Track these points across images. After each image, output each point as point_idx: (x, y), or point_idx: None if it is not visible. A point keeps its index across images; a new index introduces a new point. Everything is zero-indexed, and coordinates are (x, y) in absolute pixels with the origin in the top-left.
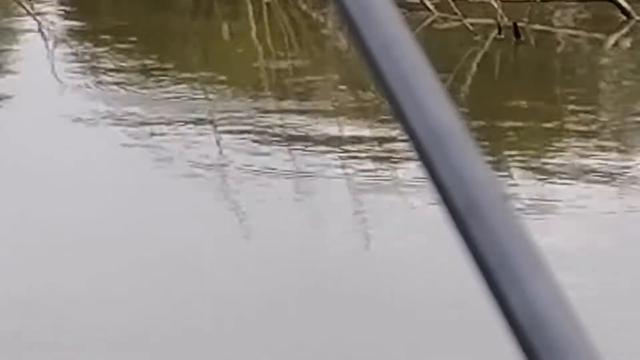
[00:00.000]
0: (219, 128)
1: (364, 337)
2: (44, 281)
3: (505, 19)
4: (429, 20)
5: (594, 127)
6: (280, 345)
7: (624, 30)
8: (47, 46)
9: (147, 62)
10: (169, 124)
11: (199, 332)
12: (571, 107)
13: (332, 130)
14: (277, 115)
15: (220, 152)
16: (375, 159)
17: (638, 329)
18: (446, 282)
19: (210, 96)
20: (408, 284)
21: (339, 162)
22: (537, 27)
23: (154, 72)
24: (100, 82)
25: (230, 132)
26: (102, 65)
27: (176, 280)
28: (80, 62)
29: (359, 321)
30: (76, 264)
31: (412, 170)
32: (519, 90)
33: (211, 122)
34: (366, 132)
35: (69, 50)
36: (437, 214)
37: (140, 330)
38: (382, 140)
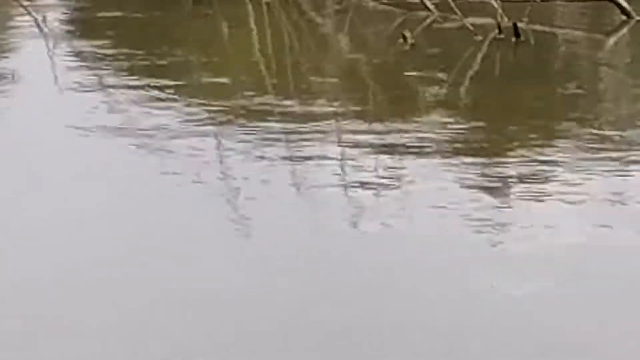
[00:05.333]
0: (219, 126)
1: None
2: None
3: (505, 19)
4: (429, 20)
5: (593, 126)
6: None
7: (624, 30)
8: (46, 44)
9: (147, 61)
10: (168, 121)
11: (195, 326)
12: (571, 107)
13: (332, 128)
14: (277, 114)
15: (219, 151)
16: (375, 157)
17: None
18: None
19: (210, 94)
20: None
21: (338, 159)
22: (537, 27)
23: (153, 71)
24: (100, 81)
25: (229, 130)
26: (101, 64)
27: (173, 272)
28: (80, 60)
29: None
30: (68, 254)
31: (412, 169)
32: (518, 90)
33: (211, 119)
34: (367, 131)
35: (68, 48)
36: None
37: (133, 325)
38: (382, 138)
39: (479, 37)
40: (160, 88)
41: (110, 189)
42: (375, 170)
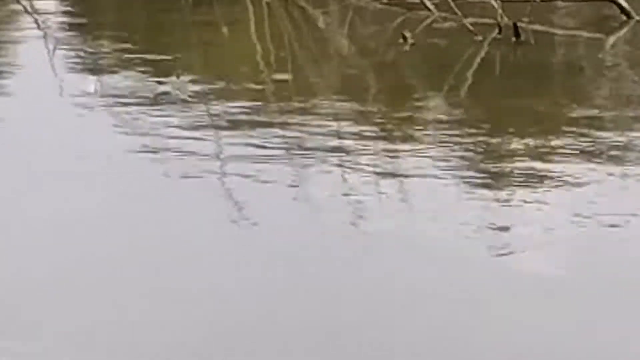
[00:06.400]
0: (218, 126)
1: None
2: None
3: (505, 19)
4: (429, 20)
5: (593, 126)
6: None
7: (624, 30)
8: (46, 44)
9: (146, 62)
10: (169, 120)
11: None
12: (571, 107)
13: (332, 127)
14: (277, 116)
15: (218, 149)
16: (375, 155)
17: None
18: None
19: (210, 93)
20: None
21: (338, 158)
22: (537, 27)
23: (153, 71)
24: (99, 80)
25: (229, 131)
26: (101, 63)
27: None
28: (80, 60)
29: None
30: (70, 254)
31: (411, 167)
32: (518, 89)
33: (210, 119)
34: (367, 129)
35: (68, 47)
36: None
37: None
38: (381, 137)
39: (479, 37)
40: (159, 87)
41: (110, 189)
42: (375, 168)
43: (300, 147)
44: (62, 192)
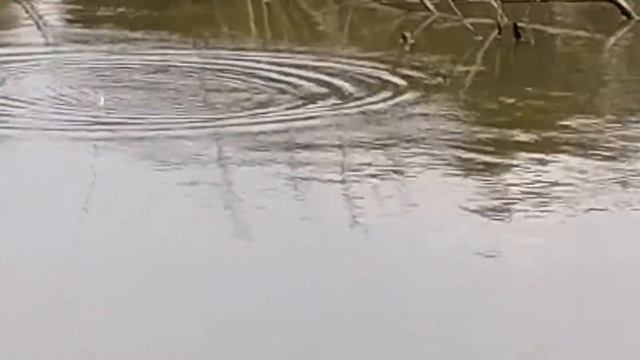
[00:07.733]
0: (218, 126)
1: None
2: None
3: (505, 19)
4: (429, 20)
5: (593, 127)
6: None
7: (624, 30)
8: (45, 41)
9: (146, 62)
10: (169, 120)
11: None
12: (571, 107)
13: (332, 127)
14: (276, 111)
15: (217, 146)
16: (374, 153)
17: None
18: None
19: (210, 91)
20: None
21: (338, 155)
22: (537, 27)
23: (153, 70)
24: (98, 80)
25: (226, 125)
26: (100, 63)
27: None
28: (79, 59)
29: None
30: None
31: (411, 166)
32: (518, 89)
33: (211, 114)
34: (366, 128)
35: (68, 47)
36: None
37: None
38: (381, 135)
39: (479, 37)
40: (159, 87)
41: (109, 190)
42: (375, 166)
43: (298, 143)
44: (59, 193)
